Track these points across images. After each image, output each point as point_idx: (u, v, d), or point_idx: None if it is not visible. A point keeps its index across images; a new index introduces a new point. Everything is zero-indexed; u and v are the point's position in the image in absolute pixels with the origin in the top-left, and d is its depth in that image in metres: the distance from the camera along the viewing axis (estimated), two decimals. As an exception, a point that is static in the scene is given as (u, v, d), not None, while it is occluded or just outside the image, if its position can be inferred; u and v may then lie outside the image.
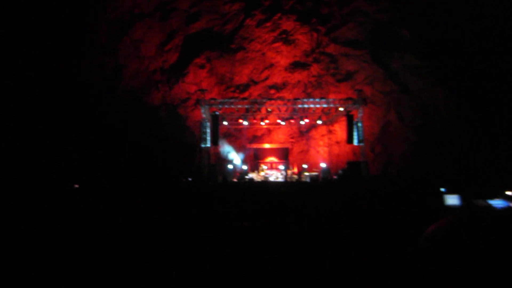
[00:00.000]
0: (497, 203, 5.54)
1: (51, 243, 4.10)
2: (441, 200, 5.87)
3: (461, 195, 5.80)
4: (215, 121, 17.64)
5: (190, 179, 16.17)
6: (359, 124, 18.05)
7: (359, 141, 18.06)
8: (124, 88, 19.56)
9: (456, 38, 15.28)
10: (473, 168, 12.82)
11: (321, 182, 15.50)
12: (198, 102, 17.91)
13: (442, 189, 6.81)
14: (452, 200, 5.87)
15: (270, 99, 19.50)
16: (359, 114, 18.24)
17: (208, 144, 17.49)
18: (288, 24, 20.58)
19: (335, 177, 18.48)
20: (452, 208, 5.76)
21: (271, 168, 21.78)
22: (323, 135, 22.98)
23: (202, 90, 18.18)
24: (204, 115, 17.65)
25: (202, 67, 20.74)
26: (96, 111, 17.87)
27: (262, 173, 19.95)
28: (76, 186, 11.58)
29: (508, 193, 5.68)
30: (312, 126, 22.86)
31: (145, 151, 18.20)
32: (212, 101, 17.94)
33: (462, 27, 15.03)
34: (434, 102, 17.35)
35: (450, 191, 6.09)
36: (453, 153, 15.26)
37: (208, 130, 17.55)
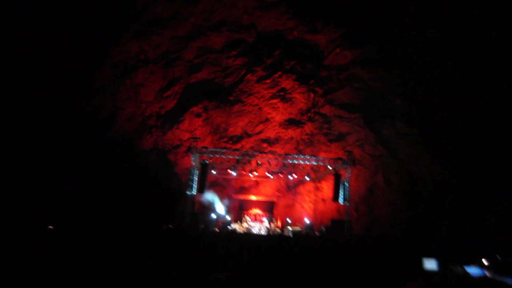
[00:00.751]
0: (473, 271, 5.53)
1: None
2: (420, 263, 5.86)
3: (439, 260, 5.81)
4: (204, 169, 17.61)
5: (171, 225, 15.84)
6: (346, 184, 18.16)
7: (344, 200, 18.07)
8: (118, 129, 19.71)
9: (446, 111, 15.94)
10: (453, 235, 12.84)
11: (304, 238, 15.27)
12: (189, 150, 17.99)
13: (421, 253, 6.77)
14: (430, 264, 5.87)
15: (262, 152, 19.70)
16: (347, 174, 18.41)
17: (194, 192, 17.33)
18: (287, 83, 21.35)
19: (317, 233, 18.24)
20: (429, 272, 5.73)
21: (255, 220, 21.47)
22: (309, 191, 22.97)
23: (195, 138, 18.33)
24: (193, 163, 17.68)
25: (198, 115, 21.11)
26: (86, 151, 17.88)
27: (245, 225, 19.63)
28: (50, 227, 11.29)
29: (484, 261, 5.68)
30: (300, 182, 22.91)
31: (130, 194, 18.00)
32: (204, 149, 18.05)
33: (452, 102, 15.74)
34: (421, 169, 17.65)
35: (428, 255, 6.09)
36: (435, 220, 15.31)
37: (196, 178, 17.47)
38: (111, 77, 19.30)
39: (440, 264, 5.72)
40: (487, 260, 5.75)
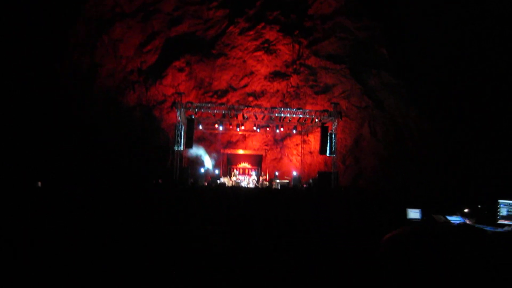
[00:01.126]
0: (454, 219, 5.76)
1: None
2: (404, 214, 6.06)
3: (423, 210, 6.01)
4: (191, 124, 17.52)
5: (160, 181, 15.98)
6: (333, 136, 18.33)
7: (331, 152, 18.31)
8: (99, 87, 19.20)
9: (431, 61, 15.85)
10: (437, 186, 13.27)
11: (292, 190, 15.63)
12: (174, 105, 17.74)
13: (406, 203, 7.01)
14: (414, 214, 6.07)
15: (248, 106, 19.58)
16: (333, 126, 18.54)
17: (181, 147, 17.33)
18: (271, 34, 20.82)
19: (305, 185, 18.66)
20: (413, 221, 5.95)
21: (243, 173, 21.80)
22: (297, 145, 23.23)
23: (179, 93, 18.04)
24: (179, 118, 17.52)
25: (181, 70, 20.64)
26: (69, 109, 17.47)
27: (233, 178, 19.94)
28: (39, 183, 11.19)
29: (465, 210, 5.91)
30: (287, 135, 23.08)
31: (117, 151, 17.92)
32: (189, 104, 17.83)
33: (437, 52, 15.62)
34: (407, 121, 17.86)
35: (413, 206, 6.28)
36: (420, 171, 15.73)
37: (183, 133, 17.40)
38: (87, 33, 18.48)
39: (423, 214, 5.93)
40: (469, 209, 5.97)
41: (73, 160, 16.05)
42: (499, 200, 5.59)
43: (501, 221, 5.48)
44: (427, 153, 16.22)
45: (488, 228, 5.21)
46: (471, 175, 12.60)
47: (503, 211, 5.53)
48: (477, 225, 5.38)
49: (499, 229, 5.20)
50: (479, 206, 5.91)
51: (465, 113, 14.36)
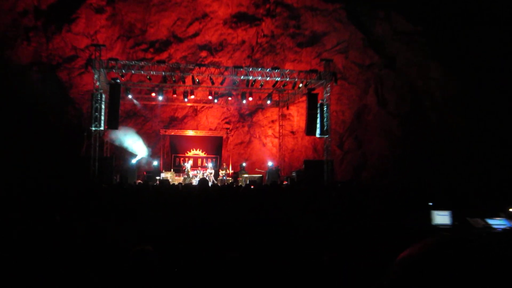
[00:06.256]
0: (497, 223, 5.92)
1: None
2: (428, 218, 6.17)
3: (453, 212, 6.13)
4: (115, 93, 17.24)
5: (71, 177, 15.73)
6: (325, 108, 18.44)
7: (322, 132, 18.43)
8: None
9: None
10: (472, 178, 13.60)
11: (266, 190, 15.66)
12: (90, 63, 17.35)
13: (430, 203, 7.13)
14: (441, 218, 6.18)
15: (200, 65, 19.35)
16: (325, 94, 18.64)
17: (102, 127, 17.04)
18: (232, -45, 20.63)
19: (286, 182, 18.75)
20: (441, 227, 6.06)
21: (195, 166, 21.69)
22: (273, 121, 23.32)
23: (97, 46, 17.59)
24: (98, 83, 17.17)
25: (99, 11, 20.16)
26: None
27: (182, 174, 19.85)
28: None
29: (511, 209, 6.07)
30: (258, 108, 23.09)
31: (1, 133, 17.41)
32: (112, 62, 17.46)
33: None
34: (428, 83, 18.17)
35: (440, 207, 6.40)
36: (448, 156, 16.09)
37: (103, 106, 17.08)
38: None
39: (454, 217, 6.04)
40: (517, 208, 6.17)
41: None
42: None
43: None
44: (457, 131, 16.60)
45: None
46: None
47: None
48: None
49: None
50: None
51: (508, 73, 14.68)
